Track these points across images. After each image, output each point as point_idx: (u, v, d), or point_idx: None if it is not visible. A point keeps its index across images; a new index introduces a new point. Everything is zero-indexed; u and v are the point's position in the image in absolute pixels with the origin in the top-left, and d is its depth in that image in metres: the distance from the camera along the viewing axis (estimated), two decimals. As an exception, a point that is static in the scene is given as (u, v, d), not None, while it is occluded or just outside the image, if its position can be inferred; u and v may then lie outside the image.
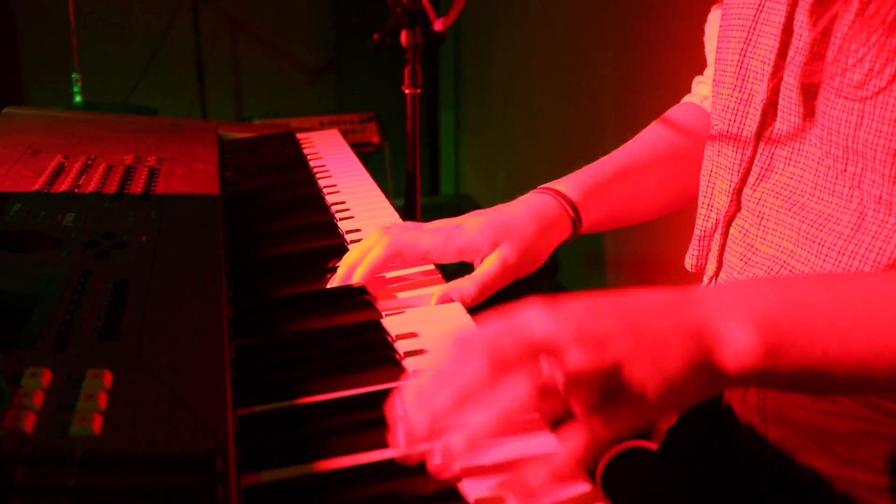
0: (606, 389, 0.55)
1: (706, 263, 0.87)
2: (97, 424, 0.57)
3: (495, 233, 0.85)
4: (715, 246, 0.85)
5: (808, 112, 0.73)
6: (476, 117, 3.77)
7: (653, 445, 1.84)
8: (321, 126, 2.78)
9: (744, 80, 0.80)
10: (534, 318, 0.57)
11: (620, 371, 0.55)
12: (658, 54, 2.32)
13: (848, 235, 0.71)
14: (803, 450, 0.77)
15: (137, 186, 1.08)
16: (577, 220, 0.90)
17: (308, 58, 3.94)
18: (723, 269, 0.84)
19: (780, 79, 0.75)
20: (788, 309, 0.57)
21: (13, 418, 0.57)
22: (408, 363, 0.70)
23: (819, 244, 0.72)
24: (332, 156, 1.30)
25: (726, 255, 0.83)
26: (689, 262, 0.89)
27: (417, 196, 1.41)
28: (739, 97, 0.80)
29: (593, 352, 0.55)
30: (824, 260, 0.72)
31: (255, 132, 1.46)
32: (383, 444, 0.59)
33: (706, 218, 0.85)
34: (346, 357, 0.71)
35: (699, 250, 0.87)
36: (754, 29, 0.78)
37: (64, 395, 0.61)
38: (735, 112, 0.81)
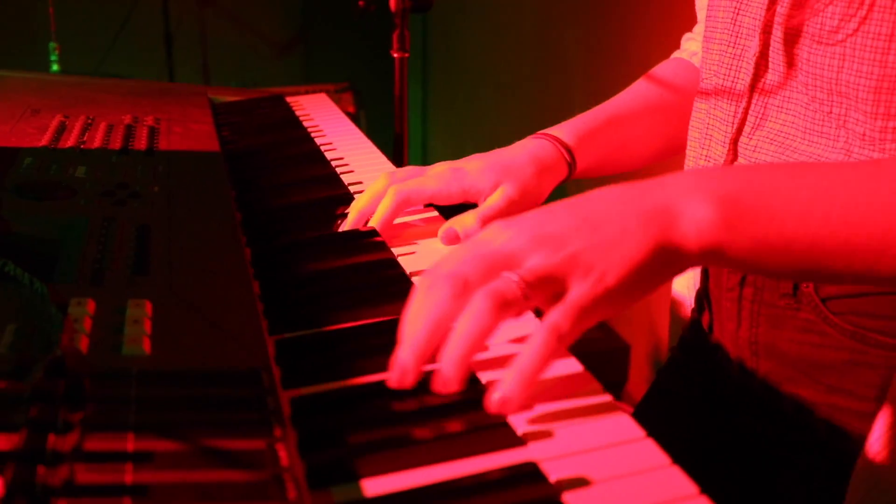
0: (566, 286, 0.57)
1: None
2: (146, 345, 0.62)
3: (496, 174, 0.89)
4: None
5: (794, 60, 0.78)
6: (444, 91, 3.80)
7: (627, 407, 1.91)
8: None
9: (737, 36, 0.85)
10: (493, 234, 0.60)
11: (578, 263, 0.57)
12: (627, 28, 2.37)
13: None
14: (791, 380, 0.83)
15: (140, 143, 1.12)
16: (572, 164, 0.95)
17: (276, 31, 3.95)
18: None
19: (771, 33, 0.80)
20: (748, 186, 0.59)
21: (69, 339, 0.61)
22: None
23: None
24: (323, 117, 1.34)
25: None
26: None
27: (405, 157, 1.45)
28: (733, 52, 0.85)
29: (551, 251, 0.57)
30: None
31: (244, 96, 1.49)
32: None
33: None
34: (366, 290, 0.75)
35: None
36: None
37: (109, 321, 0.64)
38: (729, 67, 0.86)
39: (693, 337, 0.98)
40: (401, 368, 0.58)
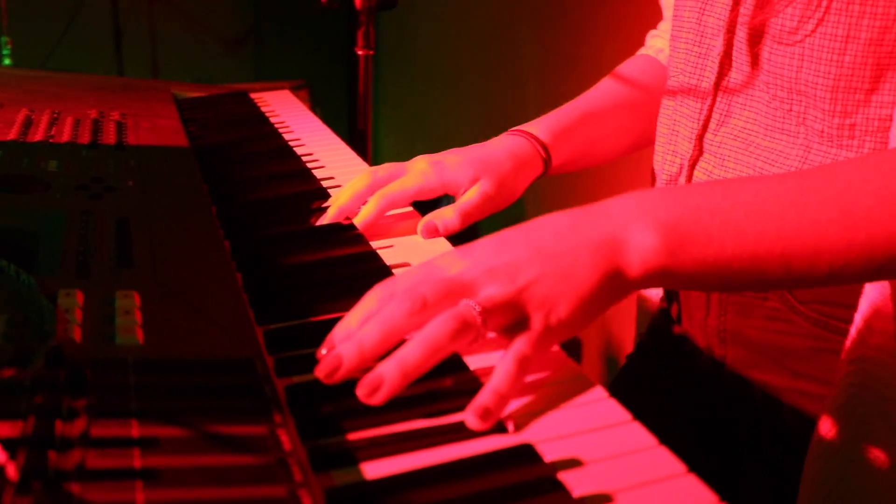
0: (522, 315, 0.60)
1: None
2: (140, 335, 0.62)
3: (475, 169, 0.91)
4: None
5: (756, 60, 0.82)
6: (394, 90, 3.81)
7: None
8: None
9: (702, 35, 0.88)
10: (446, 261, 0.63)
11: (532, 296, 0.60)
12: (580, 28, 2.40)
13: (797, 168, 0.80)
14: (757, 366, 0.86)
15: (109, 138, 1.12)
16: (547, 160, 0.97)
17: (226, 27, 3.92)
18: None
19: (734, 34, 0.83)
20: (686, 211, 0.62)
21: (63, 330, 0.61)
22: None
23: None
24: (288, 113, 1.35)
25: None
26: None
27: (368, 154, 1.46)
28: (698, 52, 0.88)
29: (507, 282, 0.60)
30: None
31: (206, 92, 1.49)
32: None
33: (671, 163, 0.93)
34: (350, 282, 0.76)
35: None
36: None
37: (100, 312, 0.65)
38: (695, 66, 0.89)
39: (662, 325, 1.01)
40: (335, 363, 0.59)
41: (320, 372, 0.60)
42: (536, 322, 0.60)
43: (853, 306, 0.80)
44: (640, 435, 0.56)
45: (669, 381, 0.99)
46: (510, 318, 0.60)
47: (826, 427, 0.77)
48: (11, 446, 0.47)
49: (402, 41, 3.68)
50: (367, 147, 1.47)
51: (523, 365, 0.59)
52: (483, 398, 0.57)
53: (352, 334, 0.61)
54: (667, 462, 0.53)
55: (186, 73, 3.71)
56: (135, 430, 0.51)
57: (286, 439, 0.52)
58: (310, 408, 0.58)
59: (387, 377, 0.58)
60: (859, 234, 0.61)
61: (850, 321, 0.80)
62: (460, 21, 3.12)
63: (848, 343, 0.75)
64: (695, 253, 0.61)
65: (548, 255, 0.61)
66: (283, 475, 0.49)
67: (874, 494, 0.75)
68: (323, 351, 0.62)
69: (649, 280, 0.62)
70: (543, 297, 0.60)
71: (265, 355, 0.63)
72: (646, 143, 1.05)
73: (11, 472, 0.45)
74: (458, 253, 0.63)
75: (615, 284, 0.62)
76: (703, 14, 0.87)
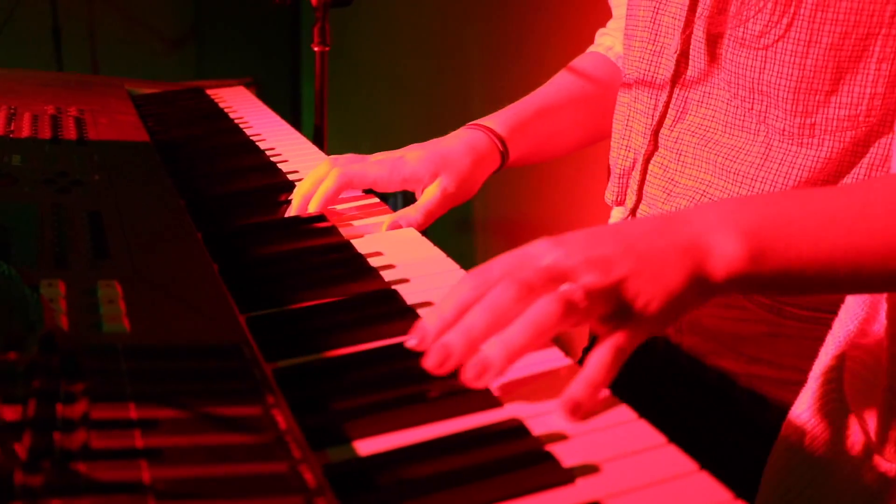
0: (616, 307, 0.61)
1: (625, 198, 0.98)
2: (126, 323, 0.63)
3: (435, 165, 0.93)
4: (633, 183, 0.95)
5: (716, 60, 0.85)
6: (338, 88, 3.81)
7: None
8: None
9: (657, 34, 0.90)
10: (539, 250, 0.63)
11: (626, 289, 0.61)
12: (525, 27, 2.43)
13: (758, 164, 0.83)
14: (713, 353, 0.89)
15: (70, 133, 1.11)
16: (505, 153, 0.99)
17: (167, 25, 3.89)
18: (643, 202, 0.95)
19: (691, 32, 0.86)
20: (765, 219, 0.64)
21: (51, 318, 0.62)
22: (383, 275, 0.78)
23: (734, 174, 0.84)
24: (246, 109, 1.36)
25: (647, 189, 0.94)
26: (609, 197, 1.00)
27: (325, 150, 1.47)
28: (653, 49, 0.91)
29: (602, 273, 0.61)
30: (739, 187, 0.84)
31: (161, 88, 1.49)
32: (381, 337, 0.67)
33: (624, 157, 0.96)
34: (325, 270, 0.78)
35: (619, 187, 0.98)
36: None
37: (83, 302, 0.66)
38: (650, 63, 0.92)
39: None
40: (445, 352, 0.59)
41: (430, 363, 0.59)
42: (631, 315, 0.61)
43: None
44: (622, 412, 0.59)
45: (626, 371, 1.02)
46: (609, 308, 0.61)
47: (796, 418, 0.80)
48: (15, 429, 0.48)
49: (347, 39, 3.68)
50: (324, 144, 1.48)
51: (619, 357, 0.60)
52: (575, 389, 0.58)
53: (446, 322, 0.61)
54: (648, 435, 0.56)
55: (127, 72, 3.66)
56: (133, 412, 0.52)
57: (282, 419, 0.53)
58: (299, 390, 0.60)
59: (494, 360, 0.58)
60: None
61: (802, 306, 0.84)
62: (405, 19, 3.14)
63: (836, 338, 0.78)
64: (775, 260, 0.63)
65: (639, 253, 0.62)
66: (282, 453, 0.50)
67: (836, 489, 0.79)
68: (412, 341, 0.62)
69: (731, 285, 0.64)
70: (637, 292, 0.61)
71: (250, 341, 0.64)
72: (599, 137, 1.08)
73: (20, 452, 0.46)
74: (551, 242, 0.63)
75: (700, 288, 0.63)
76: (657, 13, 0.90)
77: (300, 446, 0.51)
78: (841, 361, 0.79)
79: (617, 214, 1.09)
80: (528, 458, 0.53)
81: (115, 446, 0.49)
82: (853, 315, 0.79)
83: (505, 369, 0.59)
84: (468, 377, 0.58)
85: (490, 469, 0.52)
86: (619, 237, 0.63)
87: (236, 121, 1.27)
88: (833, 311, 0.81)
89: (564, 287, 0.60)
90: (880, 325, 0.77)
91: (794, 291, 0.69)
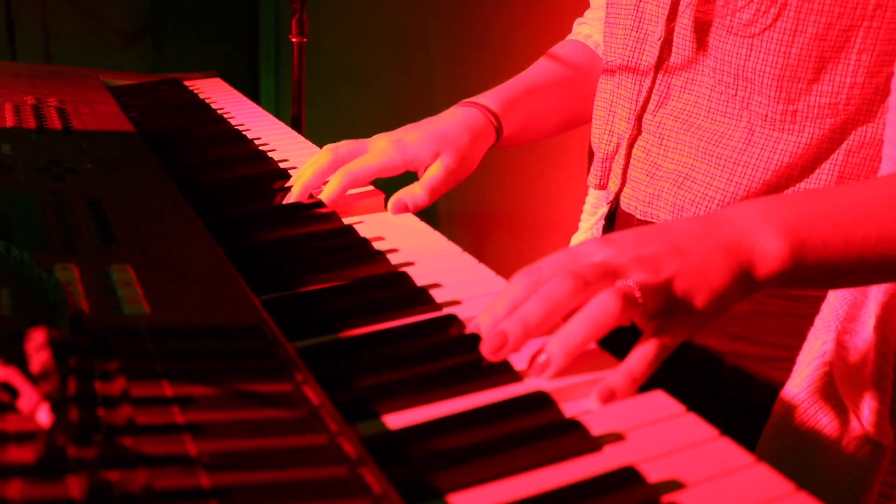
0: (665, 304, 0.63)
1: (608, 182, 1.00)
2: (146, 305, 0.64)
3: (435, 144, 0.95)
4: (617, 167, 0.98)
5: (702, 47, 0.87)
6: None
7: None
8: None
9: (640, 21, 0.93)
10: (589, 248, 0.65)
11: (675, 287, 0.63)
12: (488, 19, 2.45)
13: (740, 149, 0.86)
14: (702, 332, 0.92)
15: (55, 123, 1.11)
16: (499, 129, 1.01)
17: (123, 19, 3.84)
18: (627, 185, 0.97)
19: (675, 21, 0.89)
20: (801, 217, 0.67)
21: (72, 301, 0.62)
22: (389, 257, 0.79)
23: (717, 158, 0.87)
24: (227, 100, 1.36)
25: (630, 172, 0.96)
26: (593, 181, 1.02)
27: (303, 140, 1.48)
28: (637, 36, 0.93)
29: (651, 271, 0.63)
30: (721, 170, 0.86)
31: (135, 79, 1.48)
32: (396, 317, 0.69)
33: (608, 142, 0.98)
34: (332, 255, 0.79)
35: (602, 171, 1.00)
36: None
37: (99, 285, 0.66)
38: (633, 49, 0.94)
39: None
40: (501, 339, 0.61)
41: (486, 349, 0.61)
42: (677, 312, 0.63)
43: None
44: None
45: (615, 351, 1.04)
46: (658, 305, 0.63)
47: (791, 400, 0.83)
48: (60, 404, 0.49)
49: (308, 33, 3.67)
50: (302, 133, 1.48)
51: (662, 353, 0.62)
52: (614, 379, 0.60)
53: (498, 320, 0.62)
54: (668, 404, 0.58)
55: (82, 66, 3.62)
56: (168, 389, 0.53)
57: (313, 395, 0.55)
58: (324, 367, 0.61)
59: (553, 356, 0.60)
60: None
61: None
62: (368, 12, 3.14)
63: (827, 322, 0.81)
64: (814, 256, 0.66)
65: (686, 252, 0.64)
66: (320, 426, 0.52)
67: (827, 466, 0.82)
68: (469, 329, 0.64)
69: (773, 281, 0.67)
70: (685, 289, 0.63)
71: (269, 322, 0.65)
72: (579, 121, 1.11)
73: (68, 427, 0.47)
74: (599, 241, 0.65)
75: (744, 285, 0.66)
76: (640, 1, 0.92)
77: (335, 420, 0.52)
78: (833, 346, 0.82)
79: (592, 199, 1.12)
80: (556, 428, 0.55)
81: (158, 422, 0.50)
82: (842, 299, 0.82)
83: (566, 364, 0.60)
84: (529, 371, 0.61)
85: (519, 438, 0.54)
86: (666, 237, 0.65)
87: (219, 111, 1.27)
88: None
89: (620, 283, 0.62)
90: (868, 308, 0.81)
91: (830, 285, 0.73)
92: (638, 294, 0.61)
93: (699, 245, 0.65)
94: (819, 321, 0.83)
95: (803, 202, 0.69)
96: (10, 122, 1.09)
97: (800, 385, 0.82)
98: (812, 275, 0.68)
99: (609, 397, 0.59)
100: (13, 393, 0.49)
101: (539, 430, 0.54)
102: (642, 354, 0.61)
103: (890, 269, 0.69)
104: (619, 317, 0.60)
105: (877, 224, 0.67)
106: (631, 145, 0.96)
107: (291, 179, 0.94)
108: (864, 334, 0.80)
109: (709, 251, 0.65)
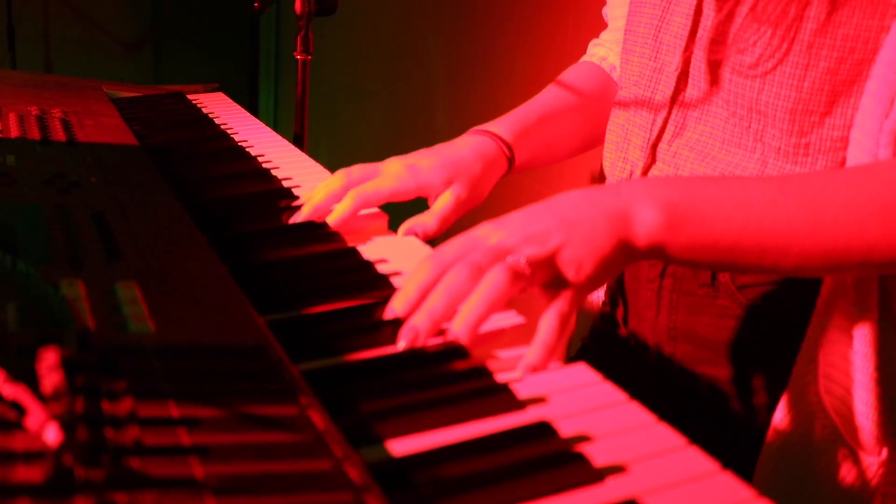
0: (555, 273, 0.70)
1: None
2: (151, 323, 0.64)
3: (447, 172, 0.95)
4: None
5: (715, 81, 0.88)
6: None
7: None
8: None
9: (657, 51, 0.93)
10: (485, 233, 0.72)
11: (560, 256, 0.70)
12: (489, 37, 2.46)
13: None
14: (706, 361, 0.92)
15: (59, 135, 1.11)
16: (511, 159, 1.02)
17: (124, 29, 3.85)
18: None
19: (692, 52, 0.89)
20: (685, 195, 0.72)
21: (79, 318, 0.62)
22: (392, 281, 0.79)
23: None
24: (229, 115, 1.36)
25: None
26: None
27: (304, 157, 1.48)
28: (654, 66, 0.94)
29: (540, 245, 0.70)
30: None
31: (139, 92, 1.49)
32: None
33: (621, 169, 0.98)
34: (337, 276, 0.79)
35: None
36: (668, 8, 0.92)
37: (104, 302, 0.66)
38: (650, 79, 0.94)
39: (605, 328, 1.06)
40: (414, 334, 0.68)
41: (402, 343, 0.68)
42: (568, 279, 0.70)
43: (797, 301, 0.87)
44: (610, 392, 0.65)
45: (616, 380, 1.04)
46: (548, 275, 0.70)
47: (778, 424, 0.84)
48: (67, 424, 0.49)
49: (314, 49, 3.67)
50: (304, 150, 1.49)
51: (564, 319, 0.69)
52: (532, 353, 0.67)
53: (412, 303, 0.70)
54: (669, 437, 0.59)
55: (82, 74, 3.62)
56: (174, 410, 0.53)
57: (317, 419, 0.55)
58: (328, 391, 0.61)
59: (461, 334, 0.68)
60: (824, 236, 0.70)
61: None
62: (369, 28, 3.15)
63: (812, 341, 0.82)
64: (690, 232, 0.71)
65: (571, 223, 0.71)
66: (325, 452, 0.52)
67: (823, 488, 0.82)
68: (387, 315, 0.71)
69: (651, 252, 0.72)
70: (571, 258, 0.70)
71: (274, 343, 0.66)
72: (593, 144, 1.12)
73: (76, 447, 0.47)
74: (493, 225, 0.72)
75: (626, 251, 0.71)
76: (659, 31, 0.93)
77: (340, 445, 0.52)
78: (815, 367, 0.82)
79: None
80: (558, 458, 0.55)
81: (165, 443, 0.50)
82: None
83: (473, 337, 0.68)
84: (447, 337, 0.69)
85: (521, 468, 0.54)
86: (552, 212, 0.72)
87: (222, 127, 1.28)
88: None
89: (510, 259, 0.69)
90: (848, 329, 0.81)
91: (706, 265, 0.77)
92: (525, 268, 0.68)
93: (583, 214, 0.71)
94: (805, 342, 0.83)
95: (694, 184, 0.74)
96: (14, 132, 1.09)
97: (782, 410, 0.83)
98: (688, 249, 0.72)
99: (534, 370, 0.66)
100: (21, 411, 0.49)
101: (541, 460, 0.55)
102: (547, 324, 0.69)
103: (768, 262, 0.73)
104: (509, 289, 0.68)
105: (758, 215, 0.71)
106: (645, 173, 0.96)
107: (303, 199, 0.94)
108: (846, 352, 0.81)
109: (593, 219, 0.71)
